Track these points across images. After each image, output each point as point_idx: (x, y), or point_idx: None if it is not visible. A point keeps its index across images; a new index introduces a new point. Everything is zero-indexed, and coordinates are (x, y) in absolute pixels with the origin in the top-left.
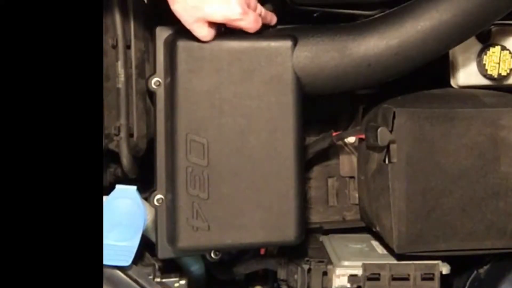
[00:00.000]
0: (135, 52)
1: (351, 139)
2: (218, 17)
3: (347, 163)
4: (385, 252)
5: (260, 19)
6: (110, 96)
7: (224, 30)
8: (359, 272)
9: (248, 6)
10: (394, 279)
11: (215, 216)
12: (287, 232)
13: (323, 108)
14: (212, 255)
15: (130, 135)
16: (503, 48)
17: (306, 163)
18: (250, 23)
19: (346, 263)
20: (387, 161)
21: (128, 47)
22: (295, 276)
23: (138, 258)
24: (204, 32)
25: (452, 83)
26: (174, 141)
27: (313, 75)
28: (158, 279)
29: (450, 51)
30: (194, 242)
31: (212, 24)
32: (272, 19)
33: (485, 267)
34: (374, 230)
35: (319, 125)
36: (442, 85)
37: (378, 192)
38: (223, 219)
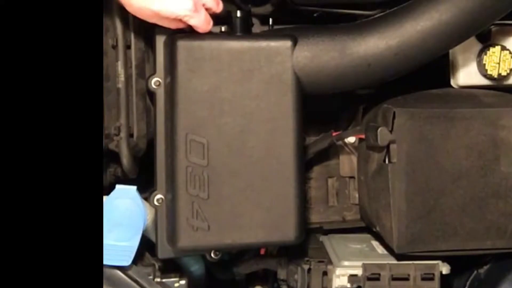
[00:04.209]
0: (135, 52)
1: (351, 139)
2: (168, 14)
3: (347, 163)
4: (385, 252)
5: (211, 21)
6: (110, 96)
7: (223, 30)
8: (359, 272)
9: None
10: (394, 279)
11: (215, 216)
12: (287, 232)
13: (323, 108)
14: (212, 255)
15: (130, 135)
16: (503, 48)
17: (306, 163)
18: (201, 22)
19: (346, 263)
20: (387, 161)
21: (128, 47)
22: (295, 276)
23: (138, 258)
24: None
25: (452, 83)
26: (174, 141)
27: (313, 75)
28: (158, 279)
29: (450, 51)
30: (194, 242)
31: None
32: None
33: (485, 267)
34: (374, 230)
35: (319, 125)
36: (442, 85)
37: (378, 192)
38: (223, 219)
